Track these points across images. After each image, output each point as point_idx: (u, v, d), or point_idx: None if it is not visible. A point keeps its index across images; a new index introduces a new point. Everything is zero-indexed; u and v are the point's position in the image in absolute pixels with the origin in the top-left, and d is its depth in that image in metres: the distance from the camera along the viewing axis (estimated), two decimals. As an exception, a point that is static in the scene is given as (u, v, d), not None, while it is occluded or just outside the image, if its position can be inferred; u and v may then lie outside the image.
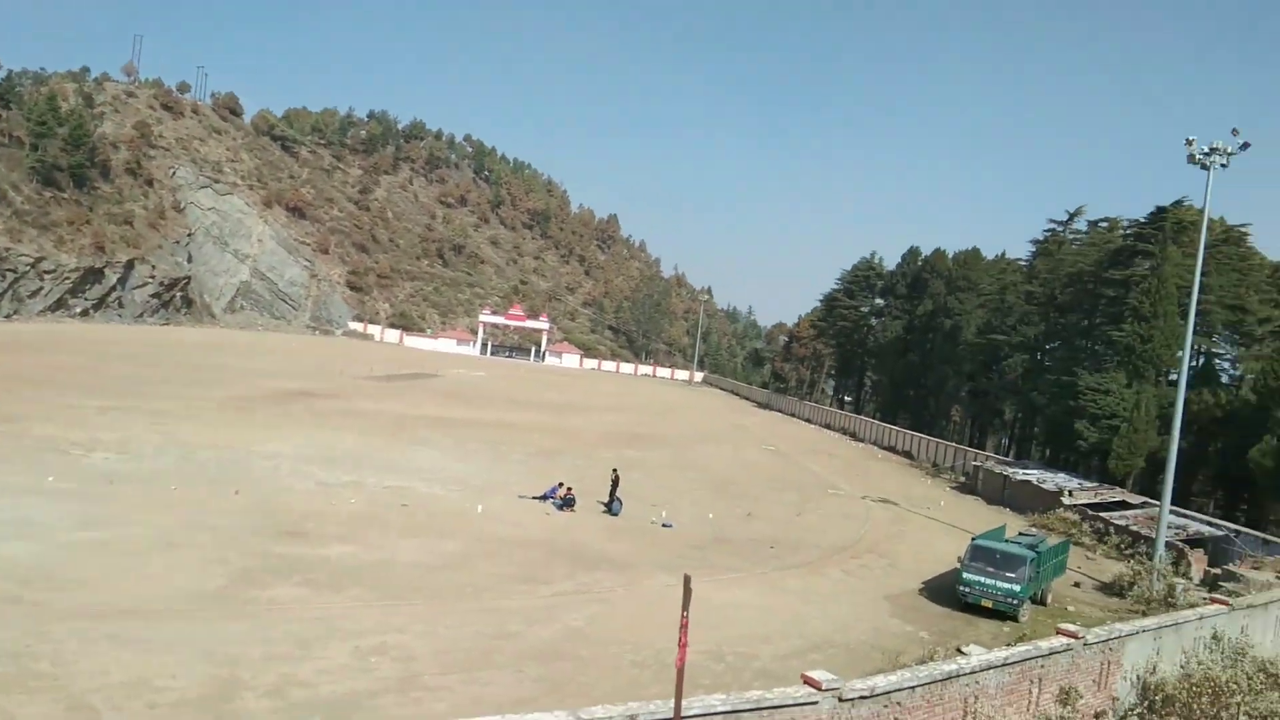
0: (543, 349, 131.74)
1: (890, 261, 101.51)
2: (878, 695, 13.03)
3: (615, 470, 34.92)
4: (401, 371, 79.49)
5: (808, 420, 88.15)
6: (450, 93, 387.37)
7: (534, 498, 33.35)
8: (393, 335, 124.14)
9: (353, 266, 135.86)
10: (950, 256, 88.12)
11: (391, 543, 25.00)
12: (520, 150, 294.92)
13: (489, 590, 21.72)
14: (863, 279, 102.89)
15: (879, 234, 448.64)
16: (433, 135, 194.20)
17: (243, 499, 27.60)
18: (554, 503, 32.87)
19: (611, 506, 33.19)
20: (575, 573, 24.33)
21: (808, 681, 12.45)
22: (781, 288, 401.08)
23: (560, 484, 33.91)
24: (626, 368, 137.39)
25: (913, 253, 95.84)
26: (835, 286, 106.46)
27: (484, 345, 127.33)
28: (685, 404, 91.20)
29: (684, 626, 9.63)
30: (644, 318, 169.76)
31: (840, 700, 12.50)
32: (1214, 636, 22.10)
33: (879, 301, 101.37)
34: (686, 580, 9.60)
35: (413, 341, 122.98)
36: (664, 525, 32.23)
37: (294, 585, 20.43)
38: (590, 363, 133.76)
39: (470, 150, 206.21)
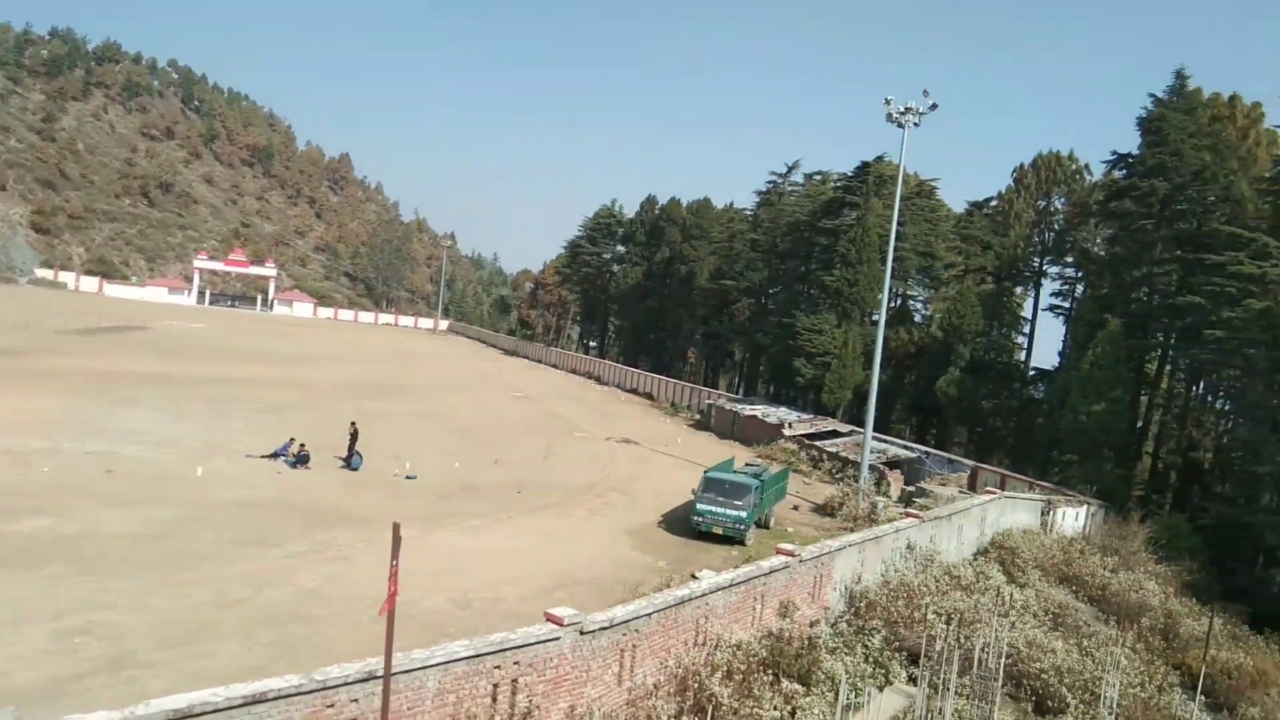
0: (270, 297, 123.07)
1: (630, 209, 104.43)
2: (617, 625, 13.61)
3: (353, 423, 33.51)
4: (104, 324, 71.14)
5: (554, 366, 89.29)
6: (149, 11, 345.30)
7: (263, 456, 31.31)
8: (90, 283, 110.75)
9: (37, 205, 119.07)
10: (685, 205, 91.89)
11: (95, 513, 22.50)
12: (235, 80, 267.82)
13: (211, 557, 20.19)
14: (604, 226, 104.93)
15: (620, 182, 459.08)
16: (130, 59, 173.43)
17: (-100, 476, 23.67)
18: (286, 460, 31.06)
19: (351, 461, 31.89)
20: (311, 532, 23.20)
21: (550, 619, 12.75)
22: (527, 234, 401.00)
23: (292, 440, 32.06)
24: (366, 317, 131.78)
25: (650, 201, 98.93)
26: (579, 234, 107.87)
27: (201, 294, 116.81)
28: (430, 353, 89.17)
29: (393, 575, 9.46)
30: (383, 264, 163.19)
31: (582, 633, 12.93)
32: (908, 546, 25.18)
33: (620, 249, 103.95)
34: (395, 528, 9.40)
35: (115, 290, 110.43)
36: (408, 477, 31.48)
37: (-27, 568, 17.89)
38: (325, 312, 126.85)
39: (176, 77, 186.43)
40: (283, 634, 16.30)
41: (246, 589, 18.43)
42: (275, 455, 31.39)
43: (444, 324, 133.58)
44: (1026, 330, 67.65)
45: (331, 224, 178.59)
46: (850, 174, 66.00)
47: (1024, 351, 67.40)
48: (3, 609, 15.85)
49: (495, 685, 11.81)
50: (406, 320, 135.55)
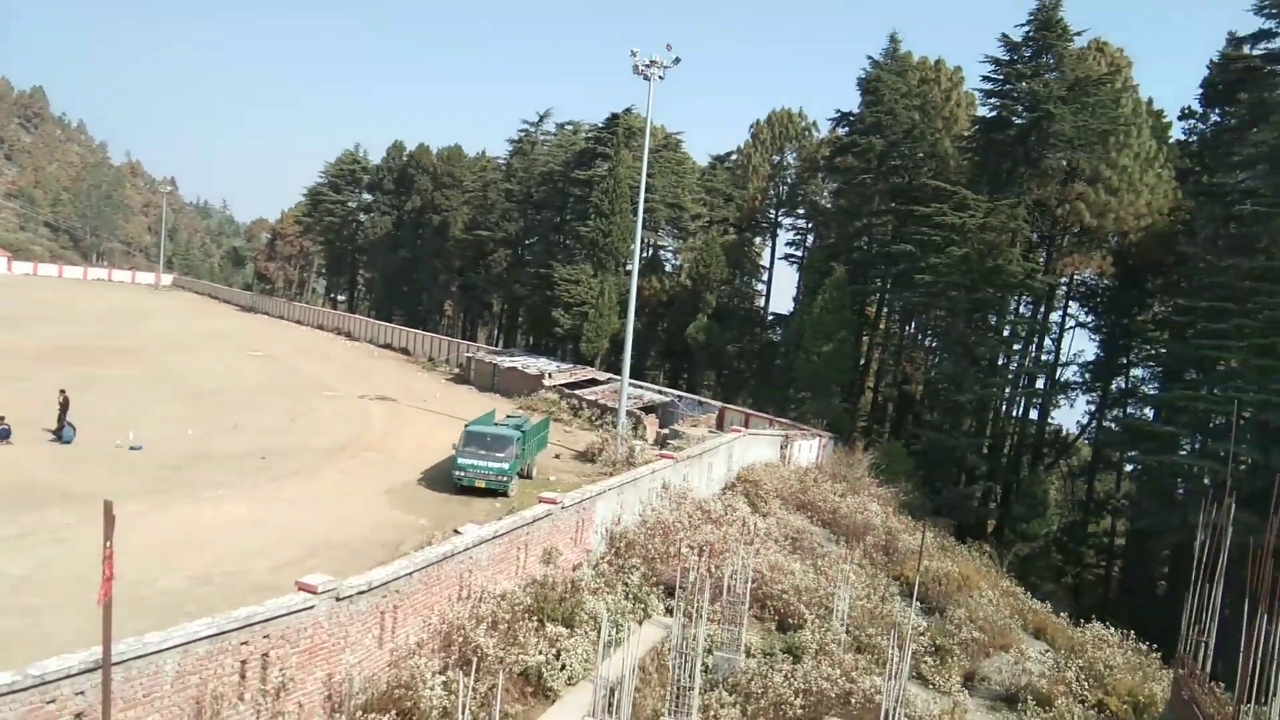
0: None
1: (376, 155, 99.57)
2: (376, 588, 13.25)
3: (63, 391, 29.84)
4: None
5: (299, 322, 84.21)
6: None
7: (-49, 434, 27.27)
8: None
9: None
10: (435, 153, 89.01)
11: None
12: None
13: (-111, 553, 17.42)
14: (348, 173, 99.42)
15: (361, 127, 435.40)
16: None
17: None
18: (-20, 437, 27.24)
19: (61, 433, 28.48)
20: (16, 515, 20.55)
21: (303, 588, 12.19)
22: (260, 180, 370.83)
23: (-13, 414, 28.13)
24: (73, 272, 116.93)
25: (397, 147, 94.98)
26: (320, 181, 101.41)
27: None
28: (152, 310, 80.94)
29: (108, 558, 8.64)
30: (91, 212, 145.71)
31: (338, 599, 12.47)
32: (664, 486, 26.36)
33: (367, 197, 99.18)
34: (107, 507, 8.55)
35: None
36: (132, 448, 28.61)
37: None
38: (23, 267, 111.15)
39: None
40: (-13, 631, 14.43)
41: (-64, 586, 16.11)
42: (-35, 432, 27.42)
43: (167, 278, 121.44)
44: (765, 278, 72.43)
45: (25, 167, 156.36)
46: (601, 125, 66.66)
47: (764, 298, 72.15)
48: None
49: (244, 662, 11.17)
50: (122, 275, 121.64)
